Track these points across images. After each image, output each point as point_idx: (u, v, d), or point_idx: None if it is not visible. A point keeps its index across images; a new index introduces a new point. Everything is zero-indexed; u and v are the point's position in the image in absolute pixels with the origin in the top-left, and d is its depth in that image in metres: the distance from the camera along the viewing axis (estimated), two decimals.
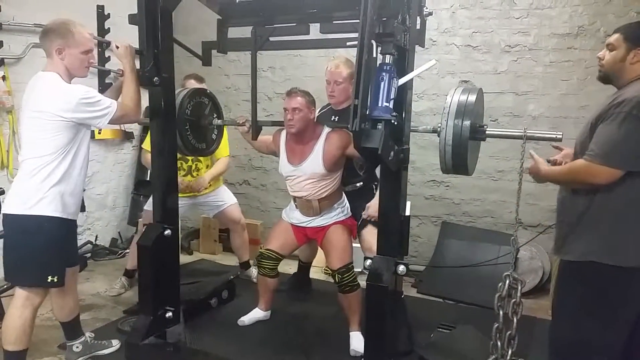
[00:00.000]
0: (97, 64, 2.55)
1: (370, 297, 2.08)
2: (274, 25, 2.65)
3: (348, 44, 2.45)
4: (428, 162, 3.92)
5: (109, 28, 2.90)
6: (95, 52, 2.42)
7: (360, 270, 3.47)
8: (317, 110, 2.94)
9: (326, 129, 2.71)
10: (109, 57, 2.74)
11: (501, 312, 2.05)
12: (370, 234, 2.81)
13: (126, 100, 2.30)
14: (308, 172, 2.68)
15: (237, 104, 4.57)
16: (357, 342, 2.65)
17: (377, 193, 2.54)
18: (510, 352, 2.09)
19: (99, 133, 4.23)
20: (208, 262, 4.30)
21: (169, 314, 2.66)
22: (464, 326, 2.95)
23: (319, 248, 3.01)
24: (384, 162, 1.89)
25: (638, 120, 1.65)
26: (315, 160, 2.66)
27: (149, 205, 3.35)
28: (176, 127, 2.66)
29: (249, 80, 2.76)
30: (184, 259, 3.76)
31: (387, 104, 1.76)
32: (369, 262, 2.11)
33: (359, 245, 3.05)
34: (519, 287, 2.06)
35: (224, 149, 3.56)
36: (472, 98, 2.00)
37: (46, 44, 2.19)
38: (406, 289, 3.35)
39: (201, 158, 3.47)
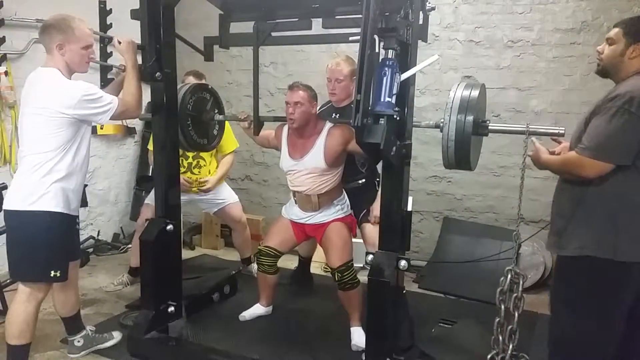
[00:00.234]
0: (99, 60, 2.55)
1: (371, 292, 2.08)
2: (276, 20, 2.64)
3: (351, 39, 2.43)
4: (430, 157, 3.91)
5: (111, 23, 2.90)
6: (97, 48, 2.42)
7: (361, 265, 3.50)
8: (318, 107, 2.94)
9: (328, 124, 2.71)
10: (111, 52, 2.74)
11: (503, 307, 2.06)
12: (374, 230, 2.81)
13: (127, 96, 2.30)
14: (309, 166, 2.68)
15: (239, 100, 4.57)
16: (358, 337, 2.66)
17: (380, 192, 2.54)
18: (511, 346, 2.10)
19: (101, 128, 4.24)
20: (210, 258, 4.31)
21: (171, 309, 2.67)
22: (466, 321, 2.96)
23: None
24: (386, 158, 1.89)
25: (629, 115, 1.65)
26: (316, 155, 2.66)
27: (149, 199, 3.35)
28: (178, 123, 2.66)
29: (250, 76, 2.75)
30: (186, 254, 3.77)
31: (390, 99, 1.76)
32: (370, 257, 2.11)
33: (359, 241, 3.05)
34: (521, 282, 2.06)
35: (231, 144, 3.55)
36: (475, 93, 1.99)
37: (46, 40, 2.19)
38: (408, 284, 3.35)
39: (203, 155, 3.46)
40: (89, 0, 2.93)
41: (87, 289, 3.43)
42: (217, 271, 3.74)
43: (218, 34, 2.78)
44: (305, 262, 3.60)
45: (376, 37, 1.78)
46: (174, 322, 2.70)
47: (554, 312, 1.95)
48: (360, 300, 2.67)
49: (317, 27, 2.59)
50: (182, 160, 3.35)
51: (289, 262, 3.70)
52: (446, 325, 2.96)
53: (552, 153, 2.02)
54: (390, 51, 1.82)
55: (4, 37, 3.49)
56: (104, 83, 2.56)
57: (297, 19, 2.62)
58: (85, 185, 2.38)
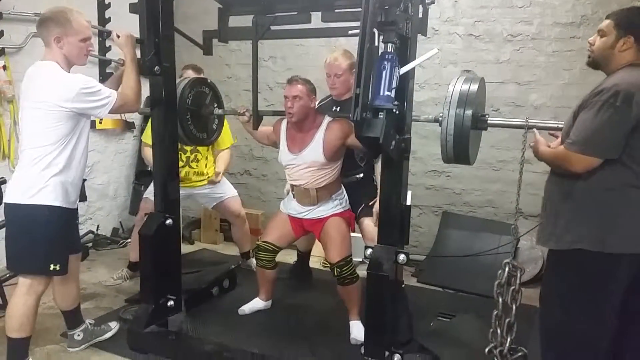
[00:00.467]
0: (97, 54, 2.55)
1: (370, 286, 2.08)
2: (275, 14, 2.63)
3: (350, 32, 2.43)
4: (429, 152, 3.91)
5: (109, 17, 2.91)
6: (95, 42, 2.41)
7: (360, 260, 3.51)
8: (318, 102, 2.94)
9: (327, 118, 2.70)
10: (110, 46, 2.74)
11: (500, 300, 2.07)
12: (372, 225, 2.82)
13: (126, 90, 2.29)
14: (308, 160, 2.68)
15: (237, 94, 4.56)
16: (357, 330, 2.67)
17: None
18: (509, 339, 2.10)
19: (100, 123, 4.23)
20: (209, 252, 4.31)
21: (171, 303, 2.68)
22: (464, 315, 2.97)
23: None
24: (385, 152, 1.89)
25: (614, 108, 1.64)
26: (315, 149, 2.65)
27: (148, 194, 3.35)
28: (177, 117, 2.65)
29: (249, 70, 2.75)
30: (185, 248, 3.77)
31: (389, 93, 1.76)
32: (369, 251, 2.12)
33: (358, 235, 3.06)
34: (519, 275, 2.07)
35: (227, 140, 3.55)
36: (474, 87, 1.99)
37: (44, 33, 2.18)
38: (406, 278, 3.36)
39: (200, 149, 3.46)
40: None
41: (86, 283, 3.44)
42: (216, 265, 3.74)
43: (217, 28, 2.77)
44: (304, 256, 3.61)
45: (375, 30, 1.77)
46: (174, 316, 2.71)
47: (546, 306, 1.96)
48: (359, 294, 2.68)
49: (316, 21, 2.58)
50: (180, 154, 3.35)
51: (288, 257, 3.71)
52: (445, 319, 2.97)
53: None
54: (389, 45, 1.81)
55: (2, 31, 3.47)
56: (103, 77, 2.55)
57: (296, 13, 2.60)
58: (84, 180, 2.38)
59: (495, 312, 2.07)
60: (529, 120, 2.00)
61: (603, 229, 1.74)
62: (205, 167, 3.51)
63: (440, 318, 2.98)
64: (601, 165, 1.71)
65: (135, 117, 4.59)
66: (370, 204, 2.94)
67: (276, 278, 3.04)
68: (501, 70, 3.76)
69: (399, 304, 2.22)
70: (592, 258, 1.75)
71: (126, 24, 2.51)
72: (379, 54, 1.81)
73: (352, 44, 2.87)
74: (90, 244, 4.22)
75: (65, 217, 2.27)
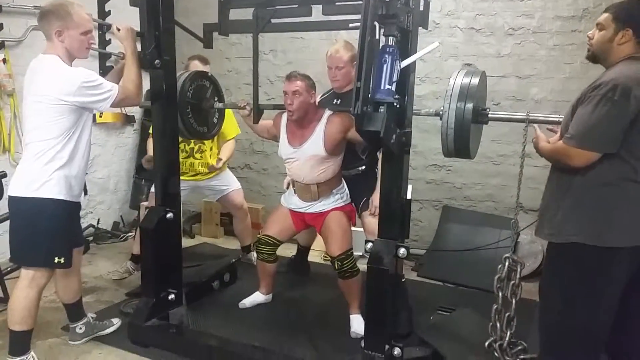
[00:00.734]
0: (97, 47, 2.54)
1: (371, 280, 2.09)
2: (275, 7, 2.62)
3: (351, 25, 2.43)
4: (430, 146, 3.91)
5: (109, 10, 2.89)
6: (95, 35, 2.40)
7: (360, 254, 3.51)
8: (319, 96, 2.93)
9: (328, 112, 2.70)
10: (110, 40, 2.73)
11: (500, 294, 2.08)
12: (373, 219, 2.82)
13: (127, 84, 2.28)
14: (308, 154, 2.68)
15: (238, 88, 4.55)
16: (357, 324, 2.68)
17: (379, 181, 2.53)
18: (509, 333, 2.12)
19: (100, 116, 4.22)
20: (210, 246, 4.32)
21: (172, 296, 2.69)
22: (464, 309, 2.97)
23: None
24: (386, 146, 1.88)
25: (612, 103, 1.64)
26: (316, 142, 2.65)
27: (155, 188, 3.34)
28: (177, 110, 2.65)
29: (250, 64, 2.74)
30: (185, 242, 3.78)
31: (390, 87, 1.75)
32: (370, 245, 2.12)
33: (359, 229, 3.06)
34: (519, 269, 2.08)
35: (233, 130, 3.53)
36: (475, 81, 1.99)
37: (45, 27, 2.17)
38: (407, 272, 3.36)
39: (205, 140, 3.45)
40: None
41: (87, 277, 3.45)
42: (217, 259, 3.75)
43: (217, 21, 2.76)
44: (303, 250, 3.62)
45: (376, 23, 1.76)
46: (175, 309, 2.72)
47: (545, 299, 1.96)
48: (359, 288, 2.69)
49: (317, 14, 2.57)
50: (184, 145, 3.34)
51: (288, 251, 3.72)
52: (444, 313, 2.98)
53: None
54: (390, 38, 1.80)
55: (1, 24, 3.46)
56: (103, 71, 2.55)
57: (296, 6, 2.59)
58: (86, 174, 2.38)
59: (495, 306, 2.08)
60: (530, 114, 2.00)
61: (601, 223, 1.74)
62: (210, 158, 3.50)
63: (440, 312, 2.98)
64: (599, 159, 1.71)
65: (135, 111, 4.59)
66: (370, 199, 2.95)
67: (276, 272, 3.05)
68: (502, 64, 3.75)
69: (399, 298, 2.23)
70: (590, 252, 1.75)
71: (126, 17, 2.50)
72: (380, 47, 1.80)
73: (353, 37, 2.86)
74: (91, 238, 4.23)
75: (69, 211, 2.28)
